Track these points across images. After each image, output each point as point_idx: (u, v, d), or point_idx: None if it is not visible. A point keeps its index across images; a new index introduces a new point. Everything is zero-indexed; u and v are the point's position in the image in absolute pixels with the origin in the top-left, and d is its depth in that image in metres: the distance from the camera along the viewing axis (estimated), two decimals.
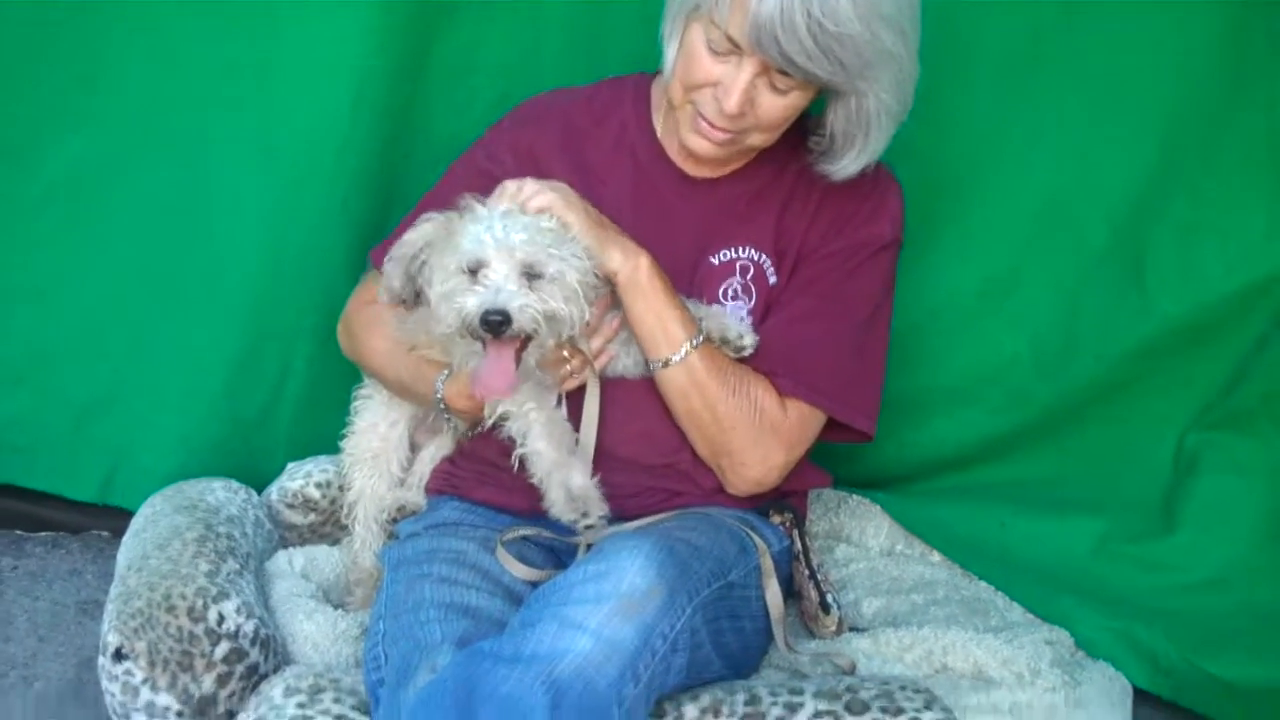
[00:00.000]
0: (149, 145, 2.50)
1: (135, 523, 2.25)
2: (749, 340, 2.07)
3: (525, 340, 1.91)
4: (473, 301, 1.86)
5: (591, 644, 1.66)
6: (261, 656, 1.99)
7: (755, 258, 2.12)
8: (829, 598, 2.18)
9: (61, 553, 2.87)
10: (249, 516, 2.31)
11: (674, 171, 2.15)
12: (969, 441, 2.66)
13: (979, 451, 2.66)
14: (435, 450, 2.28)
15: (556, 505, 1.99)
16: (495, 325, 1.85)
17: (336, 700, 1.87)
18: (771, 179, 2.13)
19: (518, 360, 1.91)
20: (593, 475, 2.01)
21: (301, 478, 2.44)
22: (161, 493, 2.33)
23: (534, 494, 2.03)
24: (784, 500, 2.22)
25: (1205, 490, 2.53)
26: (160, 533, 2.15)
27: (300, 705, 1.86)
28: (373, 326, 2.19)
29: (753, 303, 2.12)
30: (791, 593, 2.22)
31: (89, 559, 2.84)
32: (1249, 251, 2.46)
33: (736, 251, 2.12)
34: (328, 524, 2.44)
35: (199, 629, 1.94)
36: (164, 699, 1.92)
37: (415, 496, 2.27)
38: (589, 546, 1.99)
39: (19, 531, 2.89)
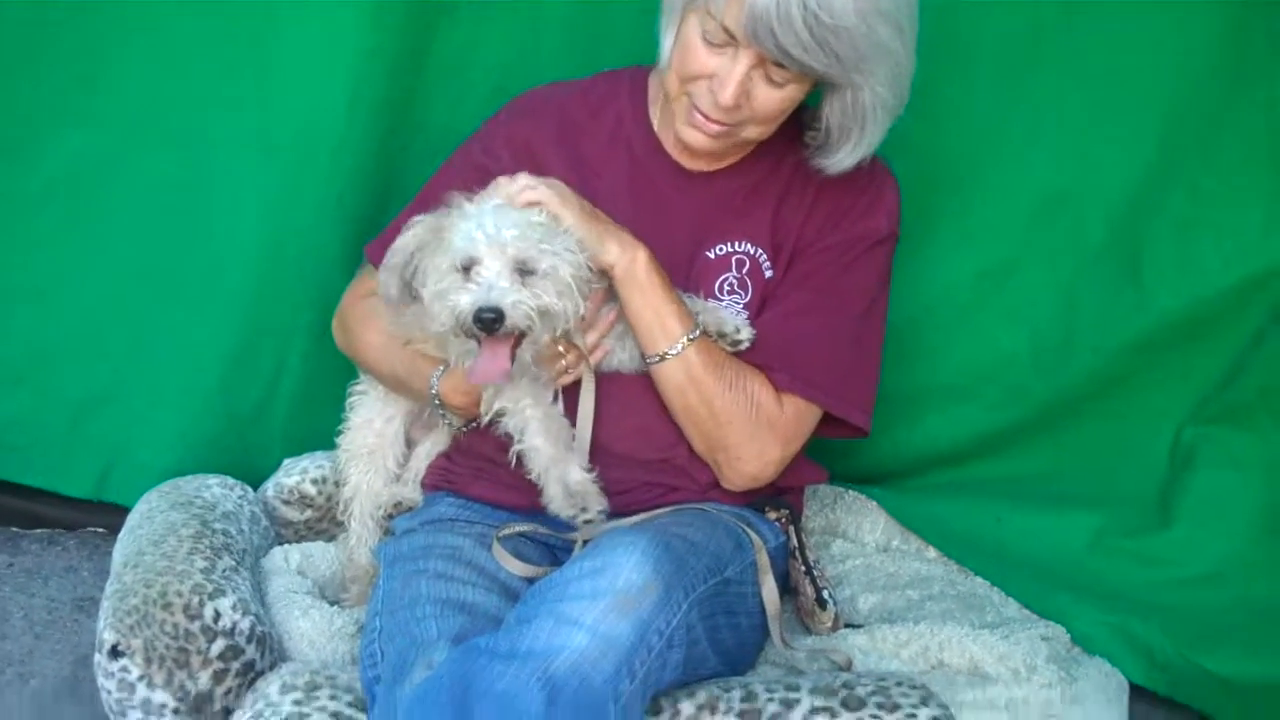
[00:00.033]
0: (147, 143, 2.50)
1: (131, 519, 2.25)
2: (746, 334, 2.07)
3: (519, 336, 1.90)
4: (466, 299, 1.86)
5: (587, 640, 1.65)
6: (258, 653, 1.99)
7: (751, 252, 2.12)
8: (825, 594, 2.18)
9: (57, 550, 2.86)
10: (245, 513, 2.31)
11: (670, 165, 2.14)
12: (965, 437, 2.66)
13: (975, 447, 2.67)
14: (431, 446, 2.28)
15: (555, 501, 1.99)
16: (489, 323, 1.85)
17: (333, 697, 1.87)
18: (768, 173, 2.13)
19: (512, 355, 1.90)
20: (590, 470, 2.01)
21: (297, 474, 2.44)
22: (157, 489, 2.33)
23: (530, 490, 2.03)
24: (780, 496, 2.22)
25: (1202, 485, 2.53)
26: (156, 529, 2.15)
27: (296, 702, 1.86)
28: (368, 321, 2.18)
29: (749, 297, 2.12)
30: (788, 589, 2.22)
31: (85, 556, 2.84)
32: (1246, 246, 2.46)
33: (733, 245, 2.12)
34: (324, 520, 2.44)
35: (195, 626, 1.94)
36: (160, 696, 1.92)
37: (411, 492, 2.27)
38: (585, 543, 1.99)
39: (14, 528, 2.89)
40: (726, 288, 2.11)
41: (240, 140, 2.46)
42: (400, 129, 2.47)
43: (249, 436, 2.64)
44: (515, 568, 2.00)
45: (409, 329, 2.07)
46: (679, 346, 2.00)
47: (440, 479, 2.24)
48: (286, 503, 2.43)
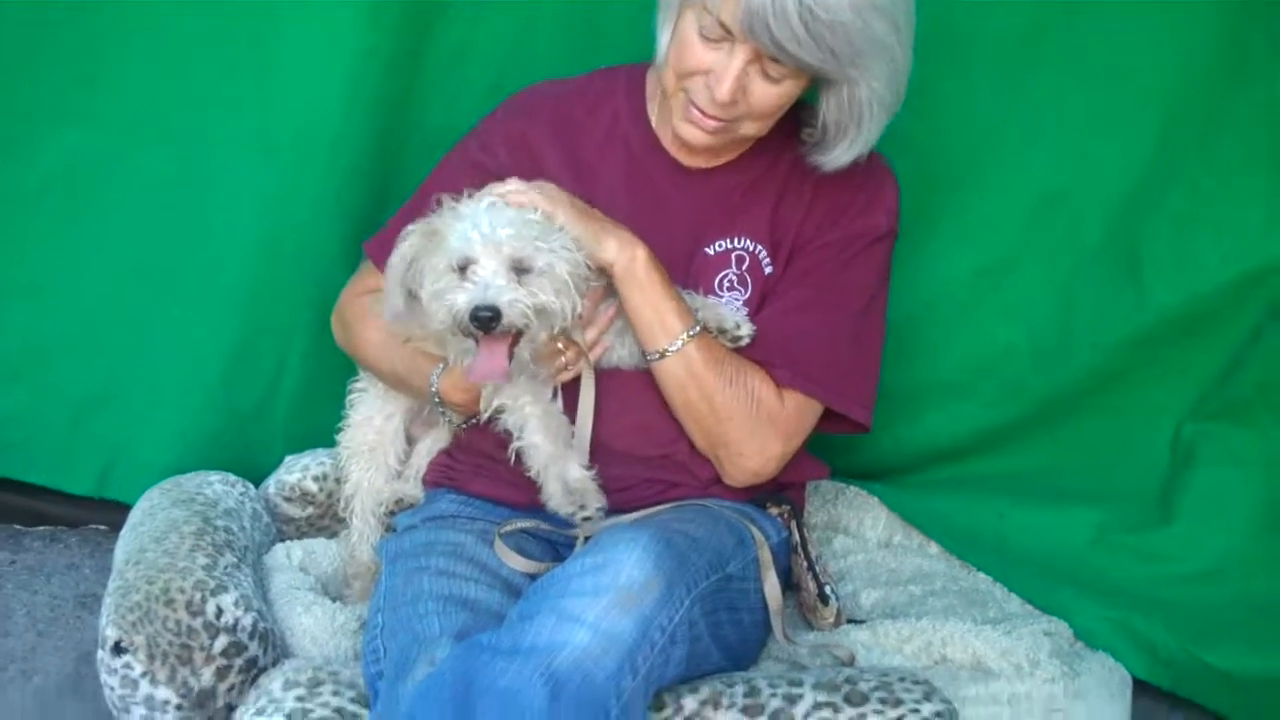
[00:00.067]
0: (145, 141, 2.50)
1: (133, 516, 2.25)
2: (746, 330, 2.07)
3: (517, 335, 1.90)
4: (462, 299, 1.86)
5: (589, 636, 1.66)
6: (260, 650, 1.99)
7: (751, 248, 2.12)
8: (827, 589, 2.18)
9: (60, 547, 2.86)
10: (246, 510, 2.31)
11: (668, 161, 2.14)
12: (965, 433, 2.67)
13: (976, 442, 2.67)
14: (432, 443, 2.28)
15: (554, 498, 1.99)
16: (485, 321, 1.85)
17: (335, 693, 1.87)
18: (767, 169, 2.13)
19: (510, 354, 1.90)
20: (590, 467, 2.02)
21: (299, 471, 2.44)
22: (159, 486, 2.33)
23: (531, 486, 2.03)
24: (782, 492, 2.23)
25: (1202, 481, 2.54)
26: (158, 526, 2.15)
27: (299, 698, 1.85)
28: (367, 318, 2.19)
29: (748, 293, 2.12)
30: (790, 584, 2.22)
31: (87, 553, 2.84)
32: (1245, 242, 2.47)
33: (732, 242, 2.12)
34: (325, 517, 2.44)
35: (197, 622, 1.94)
36: (163, 693, 1.92)
37: (412, 489, 2.27)
38: (587, 539, 1.99)
39: (17, 526, 2.89)
40: (726, 284, 2.11)
41: (239, 139, 2.46)
42: (398, 127, 2.47)
43: (250, 434, 2.64)
44: (517, 564, 2.00)
45: (408, 327, 2.07)
46: (679, 343, 2.00)
47: (441, 476, 2.24)
48: (288, 499, 2.43)
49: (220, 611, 1.96)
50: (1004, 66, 2.48)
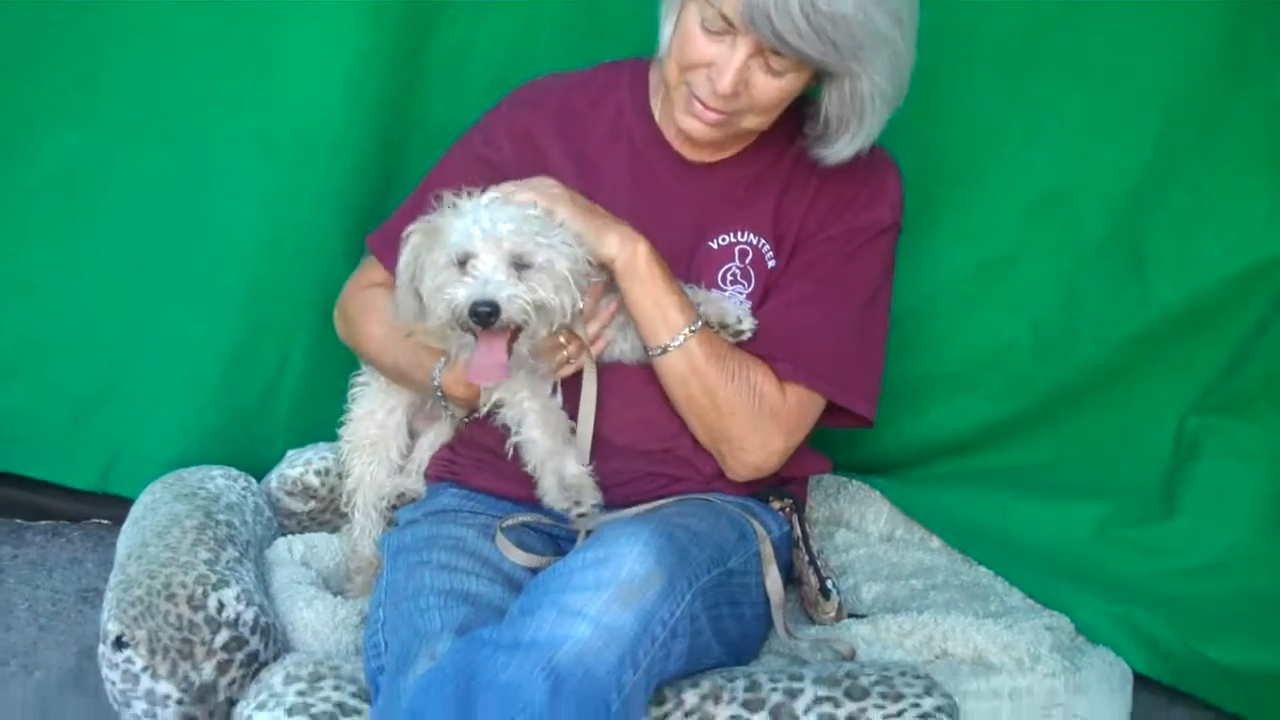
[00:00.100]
0: (146, 139, 2.50)
1: (135, 510, 2.25)
2: (747, 325, 2.07)
3: (516, 331, 1.90)
4: (462, 293, 1.86)
5: (591, 631, 1.66)
6: (261, 644, 1.99)
7: (754, 242, 2.12)
8: (829, 583, 2.18)
9: (62, 541, 2.87)
10: (248, 504, 2.31)
11: (672, 155, 2.14)
12: (968, 427, 2.66)
13: (979, 436, 2.67)
14: (434, 437, 2.28)
15: (550, 494, 1.99)
16: (484, 316, 1.85)
17: (336, 688, 1.87)
18: (770, 163, 2.13)
19: (509, 349, 1.90)
20: (589, 463, 2.02)
21: (301, 465, 2.44)
22: (161, 480, 2.33)
23: (533, 481, 2.03)
24: (784, 486, 2.22)
25: (1205, 475, 2.54)
26: (160, 520, 2.15)
27: (300, 693, 1.85)
28: (369, 312, 2.19)
29: (752, 287, 2.11)
30: (791, 579, 2.21)
31: (89, 547, 2.84)
32: (1248, 236, 2.47)
33: (735, 236, 2.12)
34: (327, 511, 2.44)
35: (199, 617, 1.94)
36: (164, 687, 1.92)
37: (414, 483, 2.27)
38: (588, 533, 1.99)
39: (19, 520, 2.89)
40: (730, 278, 2.11)
41: (240, 137, 2.46)
42: (400, 123, 2.47)
43: (252, 428, 2.64)
44: (518, 558, 2.00)
45: (410, 322, 2.07)
46: (681, 338, 2.00)
47: (443, 470, 2.24)
48: (290, 494, 2.43)
49: (222, 606, 1.97)
50: (1006, 60, 2.47)
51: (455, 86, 2.46)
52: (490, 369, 1.90)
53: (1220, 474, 2.52)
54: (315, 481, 2.43)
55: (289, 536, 2.39)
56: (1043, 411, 2.64)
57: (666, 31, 2.01)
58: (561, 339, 2.01)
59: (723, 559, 1.92)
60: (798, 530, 2.20)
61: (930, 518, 2.51)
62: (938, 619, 2.11)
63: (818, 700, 1.81)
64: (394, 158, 2.49)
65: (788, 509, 2.20)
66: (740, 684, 1.84)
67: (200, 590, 1.96)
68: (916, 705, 1.80)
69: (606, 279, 2.01)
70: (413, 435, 2.29)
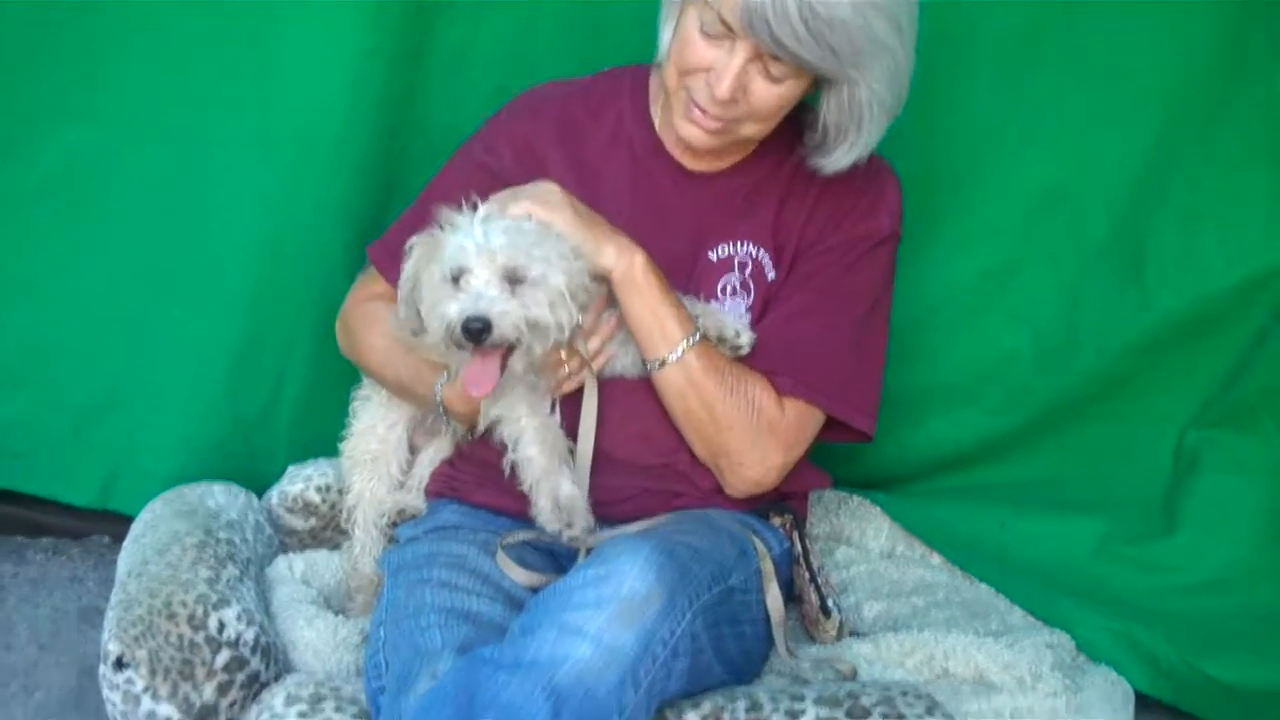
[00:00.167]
0: (145, 142, 2.49)
1: (135, 528, 2.25)
2: (746, 339, 2.07)
3: (510, 348, 1.89)
4: (454, 309, 1.85)
5: (591, 650, 1.66)
6: (262, 664, 1.99)
7: (754, 253, 2.12)
8: (830, 601, 2.18)
9: (62, 559, 2.86)
10: (249, 521, 2.31)
11: (672, 164, 2.14)
12: (968, 440, 2.65)
13: (979, 450, 2.66)
14: (434, 452, 2.27)
15: (542, 513, 1.99)
16: (476, 333, 1.84)
17: (338, 709, 1.87)
18: (769, 173, 2.13)
19: (503, 365, 1.90)
20: (589, 479, 2.02)
21: (301, 482, 2.44)
22: (161, 497, 2.33)
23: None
24: (784, 502, 2.22)
25: (1206, 489, 2.53)
26: (160, 538, 2.14)
27: (301, 714, 1.86)
28: (371, 324, 2.18)
29: (751, 298, 2.11)
30: (792, 596, 2.21)
31: (90, 565, 2.83)
32: (1249, 244, 2.46)
33: (735, 247, 2.12)
34: (328, 529, 2.44)
35: (199, 637, 1.94)
36: (165, 708, 1.91)
37: (415, 499, 2.26)
38: (589, 550, 1.99)
39: (20, 538, 2.88)
40: (729, 289, 2.11)
41: (240, 138, 2.45)
42: (400, 129, 2.47)
43: (253, 441, 2.63)
44: (519, 576, 2.00)
45: (411, 337, 2.06)
46: (679, 351, 2.00)
47: (444, 486, 2.24)
48: (291, 511, 2.43)
49: (222, 625, 1.96)
50: (1004, 67, 2.47)
51: (455, 93, 2.46)
52: (483, 379, 1.89)
53: (1220, 488, 2.52)
54: (316, 498, 2.42)
55: (289, 554, 2.39)
56: (1043, 423, 2.63)
57: (666, 36, 2.01)
58: (562, 355, 2.01)
59: (723, 576, 1.91)
60: (798, 547, 2.20)
61: (930, 533, 2.50)
62: (939, 638, 2.10)
63: None
64: (394, 164, 2.48)
65: (788, 525, 2.20)
66: (741, 704, 1.84)
67: (201, 609, 1.96)
68: None
69: (607, 293, 2.01)
70: (413, 450, 2.29)
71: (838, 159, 2.03)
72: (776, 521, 2.20)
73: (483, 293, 1.85)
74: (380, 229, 2.29)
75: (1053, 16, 2.43)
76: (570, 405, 2.06)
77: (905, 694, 1.84)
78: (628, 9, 2.29)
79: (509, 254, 1.86)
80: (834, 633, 2.17)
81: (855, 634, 2.22)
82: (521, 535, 2.07)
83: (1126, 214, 2.51)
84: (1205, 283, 2.49)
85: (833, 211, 2.11)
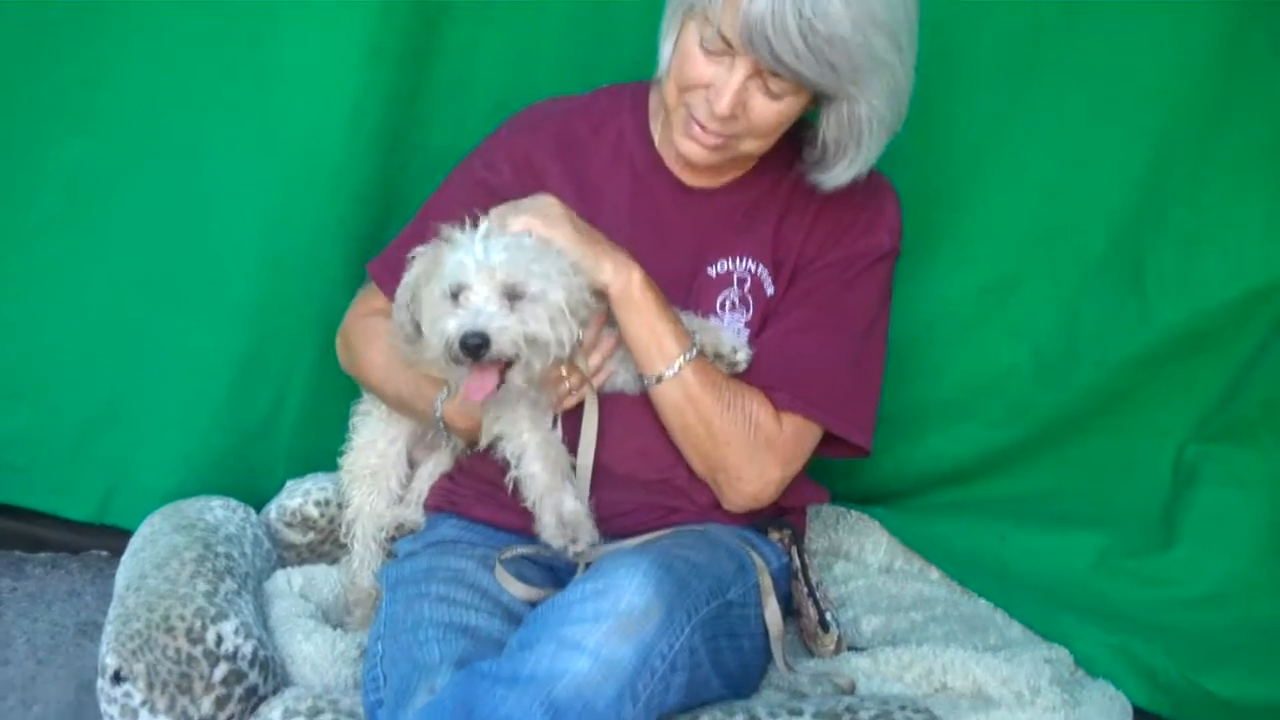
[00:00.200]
0: (146, 157, 2.49)
1: (134, 542, 2.25)
2: (743, 355, 2.07)
3: (508, 363, 1.89)
4: (453, 325, 1.85)
5: (590, 664, 1.66)
6: (260, 678, 1.99)
7: (753, 269, 2.12)
8: (828, 616, 2.17)
9: (61, 573, 2.85)
10: (248, 535, 2.31)
11: (671, 181, 2.14)
12: (968, 455, 2.66)
13: (978, 465, 2.66)
14: (434, 467, 2.28)
15: (547, 529, 1.99)
16: (474, 349, 1.84)
17: None
18: (769, 189, 2.13)
19: (502, 375, 1.90)
20: (589, 496, 2.02)
21: (300, 496, 2.44)
22: (160, 511, 2.33)
23: (532, 514, 2.02)
24: (782, 517, 2.22)
25: (1205, 503, 2.53)
26: (159, 552, 2.15)
27: None
28: (371, 340, 2.19)
29: (750, 314, 2.12)
30: (790, 610, 2.21)
31: (88, 579, 2.83)
32: (1248, 259, 2.47)
33: (734, 262, 2.12)
34: (326, 543, 2.44)
35: (197, 650, 1.94)
36: None
37: (414, 514, 2.27)
38: (587, 564, 1.99)
39: (18, 552, 2.87)
40: (728, 305, 2.11)
41: (240, 156, 2.45)
42: (400, 147, 2.47)
43: (253, 456, 2.63)
44: (518, 591, 2.00)
45: (412, 352, 2.06)
46: (676, 367, 2.00)
47: (443, 500, 2.24)
48: (289, 525, 2.43)
49: (220, 639, 1.96)
50: (1002, 83, 2.48)
51: (456, 110, 2.46)
52: (483, 384, 1.89)
53: (1220, 503, 2.51)
54: (314, 512, 2.42)
55: (288, 568, 2.39)
56: (1043, 438, 2.63)
57: (666, 52, 2.01)
58: (563, 371, 2.01)
59: (722, 590, 1.91)
60: (796, 561, 2.19)
61: (929, 548, 2.50)
62: (937, 652, 2.10)
63: None
64: (394, 182, 2.49)
65: (786, 540, 2.20)
66: (740, 718, 1.85)
67: (199, 623, 1.96)
68: None
69: (607, 309, 2.01)
70: (412, 465, 2.29)
71: (837, 175, 2.03)
72: (775, 536, 2.20)
73: (481, 309, 1.85)
74: (380, 245, 2.30)
75: (1050, 31, 2.44)
76: (571, 420, 2.06)
77: (904, 708, 1.85)
78: (628, 26, 2.31)
79: (508, 270, 1.86)
80: (832, 647, 2.17)
81: (854, 648, 2.22)
82: (520, 550, 2.07)
83: (1125, 229, 2.52)
84: (1204, 297, 2.49)
85: (832, 227, 2.12)
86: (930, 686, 2.07)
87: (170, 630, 1.94)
